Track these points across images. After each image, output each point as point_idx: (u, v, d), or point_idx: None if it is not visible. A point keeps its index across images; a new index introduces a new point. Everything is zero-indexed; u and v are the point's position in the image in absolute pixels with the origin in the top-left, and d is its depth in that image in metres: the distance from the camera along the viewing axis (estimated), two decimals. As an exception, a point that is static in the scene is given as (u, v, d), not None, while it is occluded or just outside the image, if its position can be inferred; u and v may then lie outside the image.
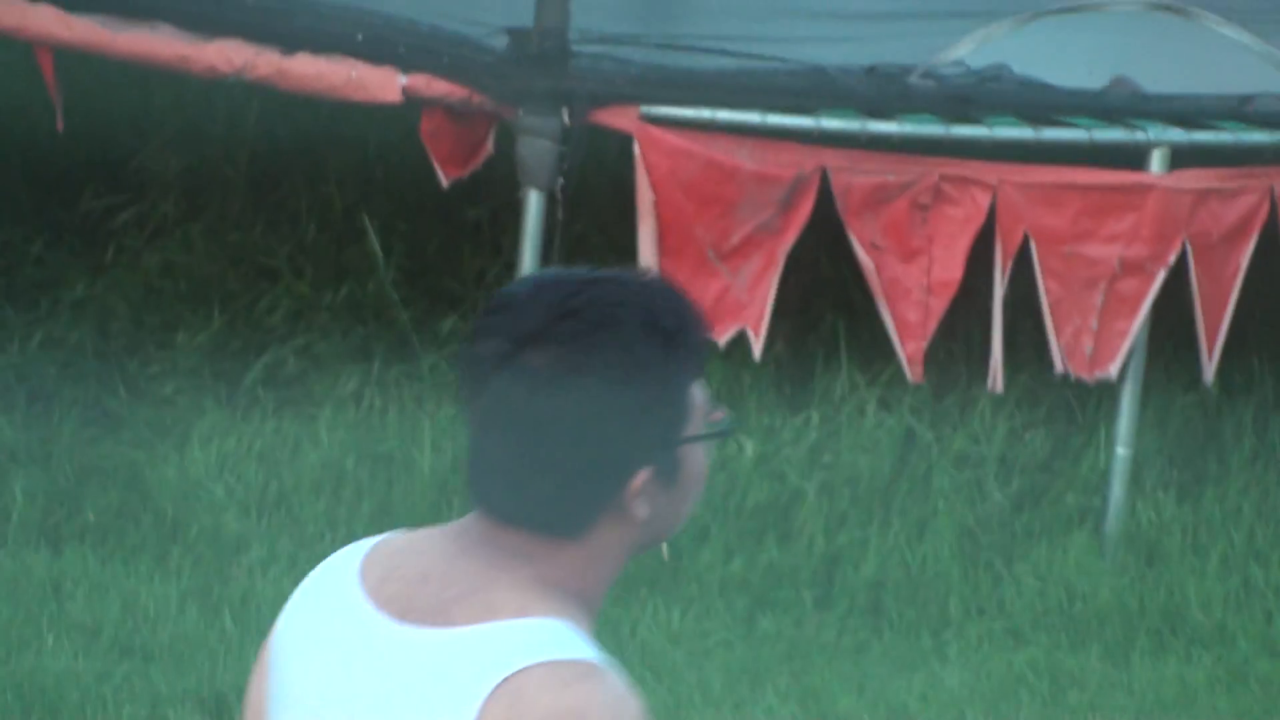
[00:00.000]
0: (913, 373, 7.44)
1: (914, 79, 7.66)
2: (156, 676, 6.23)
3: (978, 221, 7.31)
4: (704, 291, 7.31)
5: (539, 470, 2.03)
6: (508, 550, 2.08)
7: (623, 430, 2.04)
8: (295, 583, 6.08)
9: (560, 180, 7.17)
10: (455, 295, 8.10)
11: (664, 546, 6.67)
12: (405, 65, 7.21)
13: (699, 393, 1.98)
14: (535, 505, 2.04)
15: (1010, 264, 7.34)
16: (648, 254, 7.16)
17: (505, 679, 1.97)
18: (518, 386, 2.00)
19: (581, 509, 2.05)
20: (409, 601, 2.13)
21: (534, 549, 2.07)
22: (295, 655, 2.30)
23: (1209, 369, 7.58)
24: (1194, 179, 7.52)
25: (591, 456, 2.05)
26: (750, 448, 7.50)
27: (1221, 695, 7.02)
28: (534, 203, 7.28)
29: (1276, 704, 7.03)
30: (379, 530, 6.31)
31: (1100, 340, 7.46)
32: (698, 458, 2.02)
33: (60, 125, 7.75)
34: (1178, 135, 7.61)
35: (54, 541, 6.76)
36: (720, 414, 2.08)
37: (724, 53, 7.83)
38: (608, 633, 4.86)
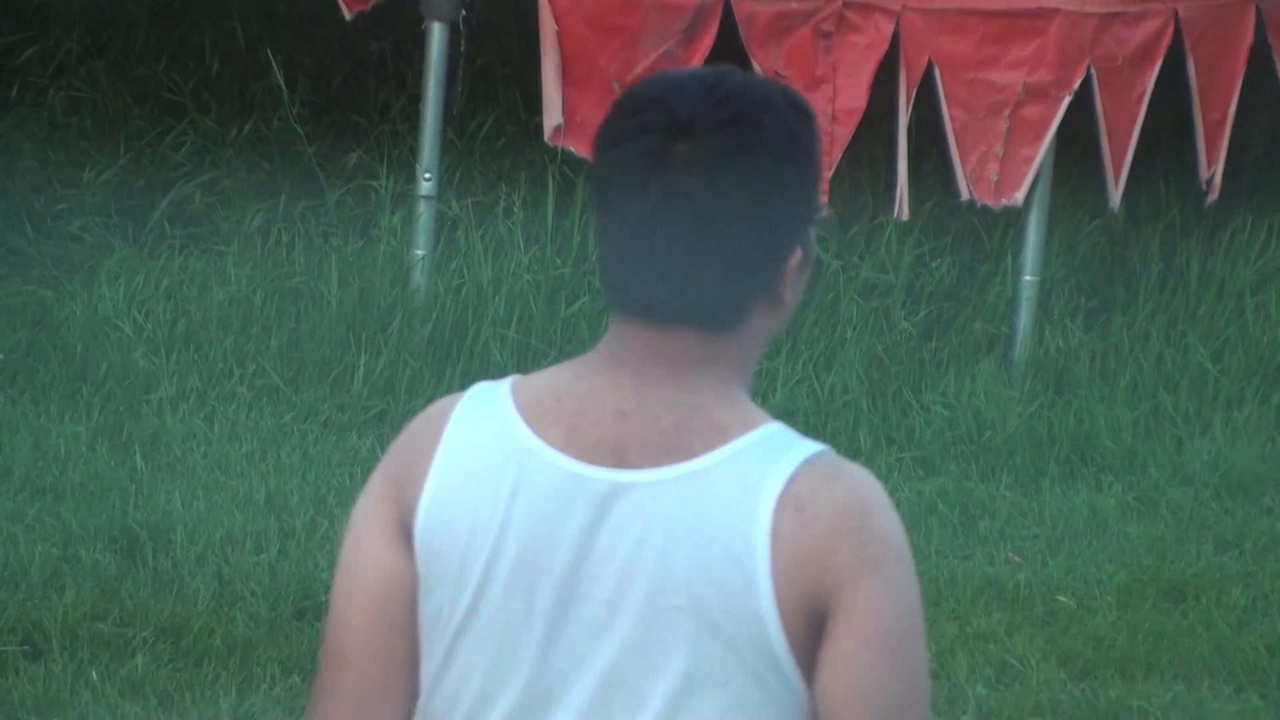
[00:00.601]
0: (818, 202, 7.57)
1: None
2: (68, 515, 6.35)
3: (881, 49, 7.40)
4: None
5: (712, 259, 2.08)
6: (683, 362, 2.14)
7: (787, 208, 2.09)
8: (205, 419, 6.08)
9: (463, 12, 7.38)
10: (360, 129, 8.09)
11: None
12: None
13: None
14: (705, 298, 2.09)
15: (914, 91, 7.42)
16: (551, 85, 7.18)
17: (780, 494, 2.05)
18: (690, 176, 2.02)
19: (745, 297, 2.11)
20: (620, 444, 2.16)
21: (702, 351, 2.12)
22: (482, 522, 2.29)
23: (1115, 195, 7.67)
24: (1097, 4, 7.58)
25: (761, 237, 2.09)
26: None
27: (1132, 522, 7.28)
28: (437, 35, 7.38)
29: (1187, 530, 7.35)
30: (289, 365, 6.08)
31: (1006, 167, 7.56)
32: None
33: None
34: None
35: (-38, 381, 6.67)
36: (824, 201, 2.31)
37: None
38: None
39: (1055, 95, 7.44)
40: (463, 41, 7.49)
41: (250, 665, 5.88)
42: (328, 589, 5.97)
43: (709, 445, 2.06)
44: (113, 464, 6.63)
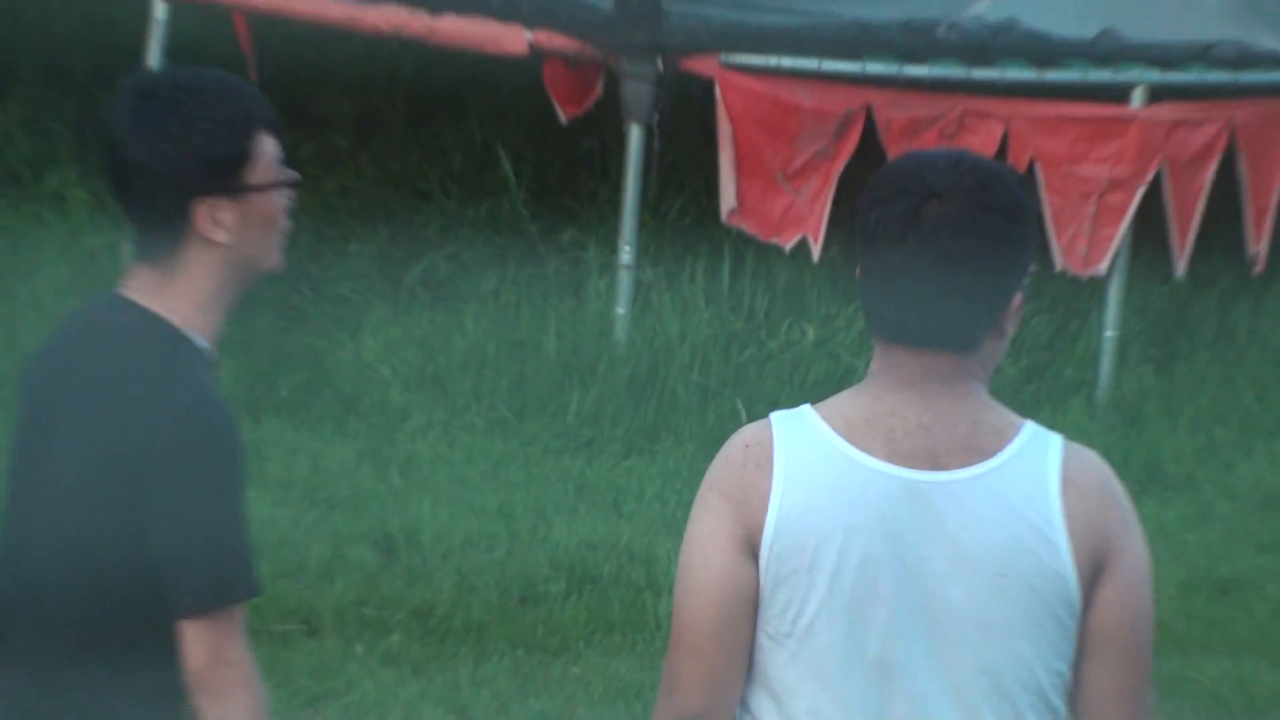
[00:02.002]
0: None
1: (941, 31, 8.57)
2: (338, 520, 7.18)
3: (993, 148, 8.16)
4: (773, 206, 8.35)
5: (955, 296, 2.53)
6: (950, 377, 2.60)
7: (1014, 259, 2.56)
8: (448, 445, 7.43)
9: (656, 116, 8.18)
10: (573, 211, 9.05)
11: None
12: (530, 24, 8.23)
13: None
14: (950, 326, 2.55)
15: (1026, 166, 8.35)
16: (727, 175, 8.19)
17: (1060, 478, 2.56)
18: (939, 230, 2.52)
19: (980, 327, 2.57)
20: (931, 451, 2.60)
21: (953, 369, 2.59)
22: (823, 529, 2.69)
23: (1180, 265, 8.62)
24: (1167, 112, 8.56)
25: (993, 281, 2.57)
26: (811, 332, 8.30)
27: (1190, 530, 8.01)
28: (635, 135, 8.28)
29: (1234, 537, 8.03)
30: (515, 401, 7.46)
31: (1092, 243, 8.45)
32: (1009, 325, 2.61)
33: (253, 76, 8.71)
34: (1153, 76, 8.63)
35: (255, 413, 7.59)
36: None
37: (787, 11, 8.87)
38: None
39: (1132, 186, 8.35)
40: (656, 140, 8.34)
41: (484, 642, 6.61)
42: (546, 580, 6.99)
43: (998, 446, 2.55)
44: (374, 479, 7.41)
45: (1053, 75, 8.61)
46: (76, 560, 3.39)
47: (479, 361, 8.11)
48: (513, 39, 8.28)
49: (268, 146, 3.07)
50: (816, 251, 8.41)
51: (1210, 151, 8.61)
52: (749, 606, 2.76)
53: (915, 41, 8.55)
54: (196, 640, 3.22)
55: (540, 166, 9.54)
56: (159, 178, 3.07)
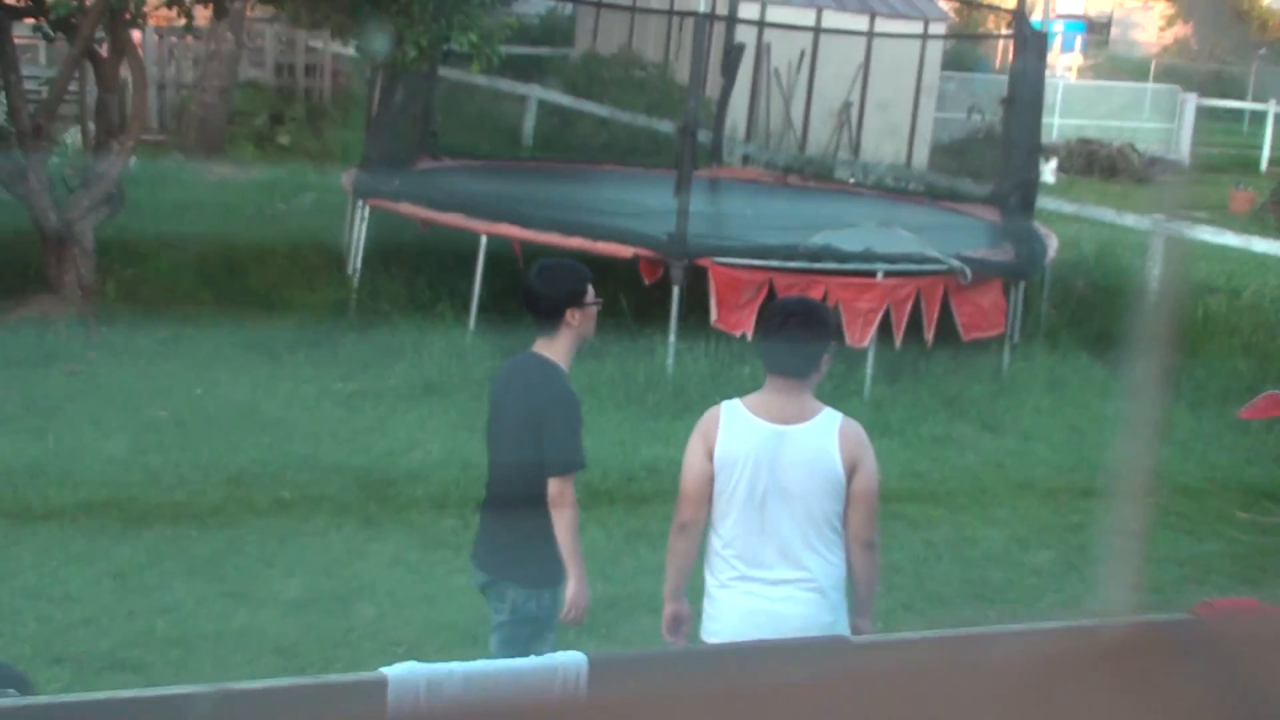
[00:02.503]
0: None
1: (799, 248, 13.71)
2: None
3: (819, 295, 12.61)
4: (734, 319, 13.23)
5: (801, 356, 5.69)
6: (795, 388, 5.70)
7: (826, 341, 5.87)
8: None
9: (684, 283, 13.44)
10: (654, 323, 13.55)
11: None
12: (632, 244, 13.72)
13: None
14: (799, 368, 5.74)
15: (829, 304, 12.29)
16: (714, 307, 13.37)
17: (839, 428, 5.78)
18: (794, 329, 5.77)
19: (811, 369, 5.75)
20: (784, 417, 5.67)
21: (799, 385, 5.73)
22: (740, 453, 5.73)
23: (898, 340, 13.27)
24: (891, 281, 13.45)
25: (817, 350, 5.74)
26: (747, 369, 13.56)
27: (896, 450, 11.90)
28: (676, 292, 13.40)
29: (911, 453, 13.48)
30: None
31: (862, 332, 13.36)
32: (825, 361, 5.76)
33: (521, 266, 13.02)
34: (886, 265, 13.70)
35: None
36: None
37: (736, 239, 14.05)
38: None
39: (877, 310, 13.21)
40: (684, 292, 13.03)
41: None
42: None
43: (812, 415, 5.66)
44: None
45: (844, 265, 13.63)
46: (517, 458, 6.55)
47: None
48: (624, 251, 13.53)
49: (590, 289, 6.38)
50: (750, 336, 13.10)
51: (909, 297, 13.57)
52: (709, 480, 5.89)
53: (789, 252, 13.69)
54: (553, 486, 6.35)
55: (637, 305, 13.53)
56: (553, 301, 6.46)
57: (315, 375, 13.17)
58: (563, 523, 6.34)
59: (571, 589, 6.45)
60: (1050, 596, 9.82)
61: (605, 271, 13.69)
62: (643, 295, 14.00)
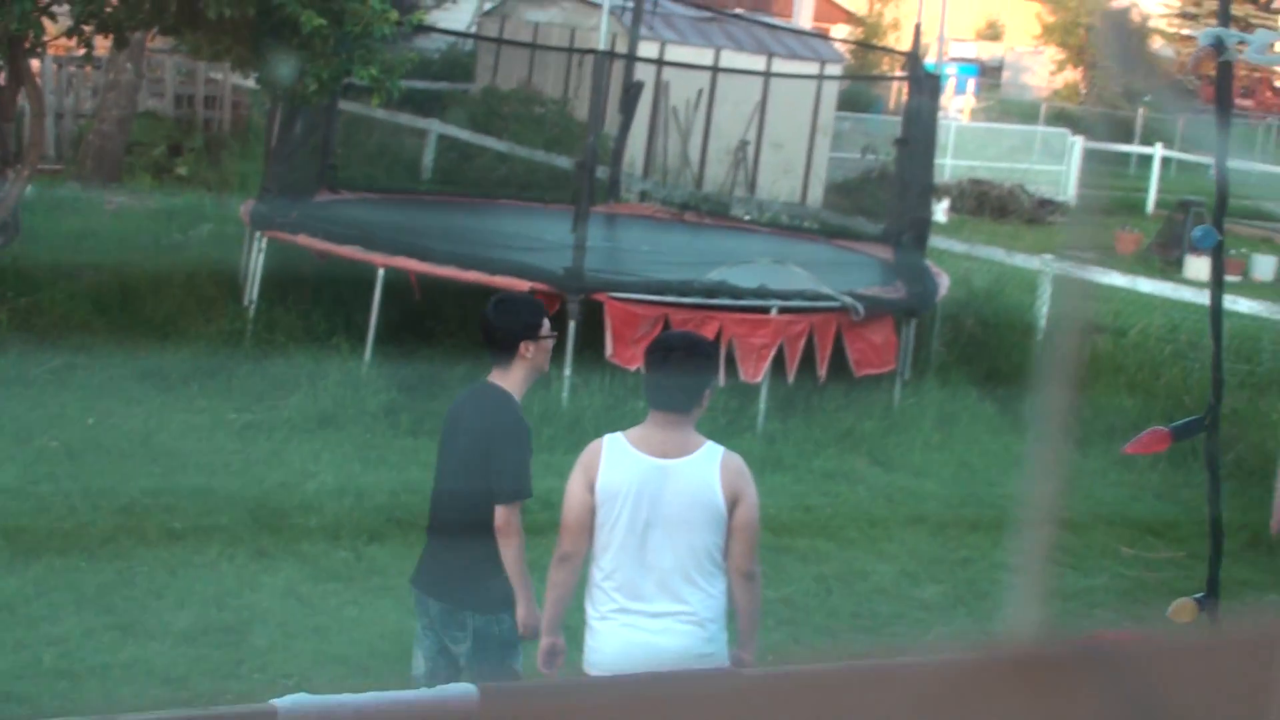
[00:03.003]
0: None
1: (694, 283, 13.95)
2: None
3: (714, 332, 13.15)
4: (628, 354, 13.26)
5: (684, 389, 5.88)
6: (677, 422, 5.91)
7: (709, 374, 6.14)
8: None
9: (579, 317, 13.76)
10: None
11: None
12: (532, 279, 14.41)
13: None
14: (680, 403, 5.93)
15: (722, 343, 12.93)
16: (609, 341, 13.61)
17: (720, 461, 5.98)
18: (676, 362, 5.96)
19: (693, 403, 6.01)
20: (665, 450, 5.88)
21: (680, 419, 5.93)
22: (621, 486, 5.92)
23: (790, 375, 13.46)
24: (785, 318, 13.86)
25: (700, 383, 5.99)
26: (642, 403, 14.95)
27: (787, 485, 12.55)
28: (572, 326, 13.52)
29: (802, 484, 13.88)
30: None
31: (756, 368, 13.61)
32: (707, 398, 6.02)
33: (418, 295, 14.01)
34: (780, 302, 13.99)
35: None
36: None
37: (633, 274, 14.30)
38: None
39: (770, 347, 13.62)
40: (578, 326, 13.06)
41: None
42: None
43: (694, 449, 5.91)
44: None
45: (738, 301, 13.99)
46: (468, 485, 6.66)
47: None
48: (521, 285, 13.15)
49: (547, 323, 6.65)
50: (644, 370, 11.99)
51: (803, 334, 13.91)
52: (590, 512, 6.02)
53: (685, 288, 14.04)
54: (500, 515, 6.47)
55: None
56: (508, 333, 6.69)
57: (209, 406, 13.12)
58: (510, 550, 6.50)
59: (520, 614, 6.59)
60: (939, 630, 9.93)
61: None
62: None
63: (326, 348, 14.14)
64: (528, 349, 6.69)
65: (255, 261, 15.38)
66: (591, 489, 6.05)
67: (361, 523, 10.56)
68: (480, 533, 6.58)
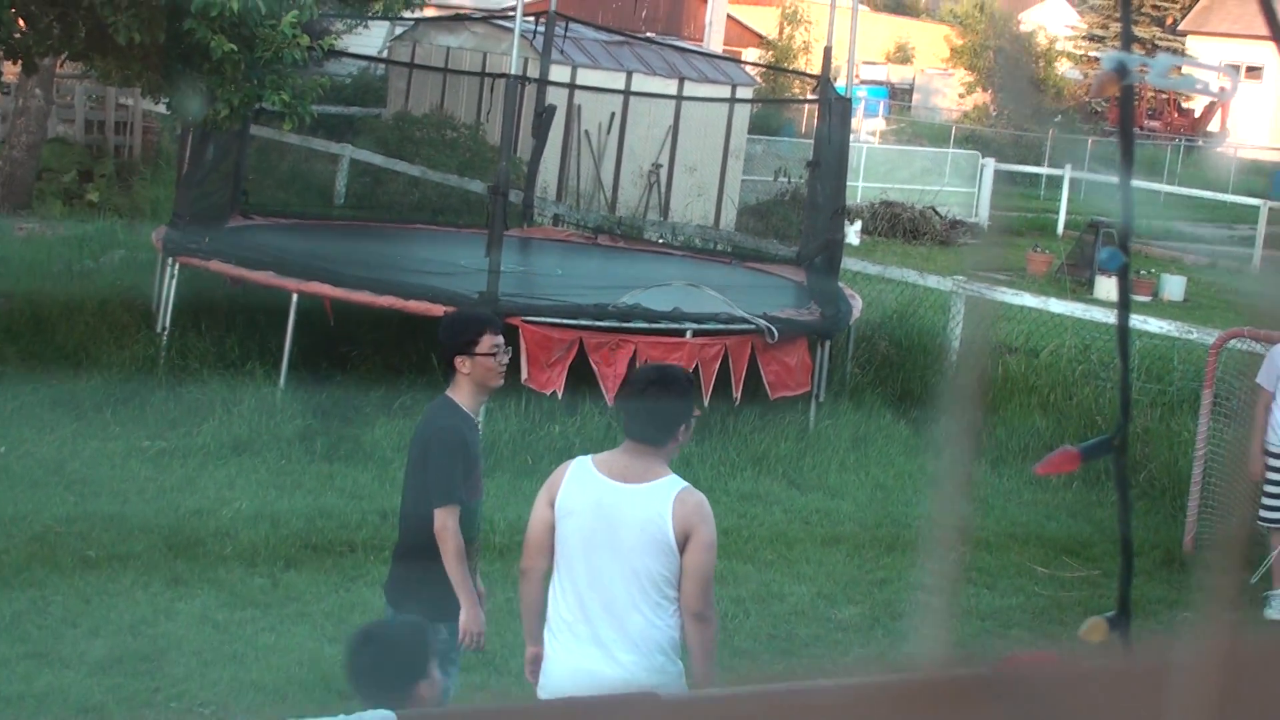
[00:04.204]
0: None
1: (610, 307, 14.09)
2: None
3: (628, 357, 13.42)
4: (544, 379, 13.34)
5: (656, 422, 6.11)
6: (646, 453, 6.11)
7: (685, 407, 6.22)
8: None
9: None
10: None
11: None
12: (444, 303, 15.56)
13: None
14: (653, 435, 6.13)
15: (638, 363, 12.70)
16: (524, 365, 13.53)
17: (676, 495, 6.07)
18: (653, 395, 6.17)
19: (666, 436, 6.15)
20: (625, 476, 6.07)
21: (653, 451, 6.12)
22: (578, 505, 6.15)
23: (705, 399, 13.35)
24: (699, 341, 14.05)
25: (674, 417, 6.12)
26: (555, 429, 14.13)
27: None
28: None
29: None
30: None
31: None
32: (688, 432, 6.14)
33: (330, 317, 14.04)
34: (695, 325, 14.21)
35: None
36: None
37: (548, 298, 14.53)
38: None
39: (686, 369, 13.97)
40: None
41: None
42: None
43: (653, 478, 6.07)
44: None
45: (653, 324, 14.20)
46: (414, 495, 7.13)
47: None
48: (435, 309, 13.14)
49: (488, 338, 6.83)
50: (560, 395, 13.51)
51: (717, 356, 14.09)
52: (549, 528, 6.26)
53: (599, 311, 14.02)
54: (436, 518, 6.83)
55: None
56: (445, 349, 7.02)
57: (123, 433, 13.08)
58: (446, 553, 6.78)
59: (463, 617, 6.83)
60: (857, 650, 10.06)
61: (416, 330, 14.25)
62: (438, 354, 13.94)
63: (241, 374, 14.11)
64: (464, 364, 6.91)
65: (168, 288, 15.35)
66: (552, 505, 6.22)
67: (278, 549, 10.56)
68: (425, 542, 6.83)
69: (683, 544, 6.03)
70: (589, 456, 6.31)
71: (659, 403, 6.16)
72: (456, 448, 6.87)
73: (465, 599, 6.85)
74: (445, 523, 6.80)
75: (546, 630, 6.39)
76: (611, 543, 6.10)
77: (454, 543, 6.78)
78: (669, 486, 6.11)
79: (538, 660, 6.47)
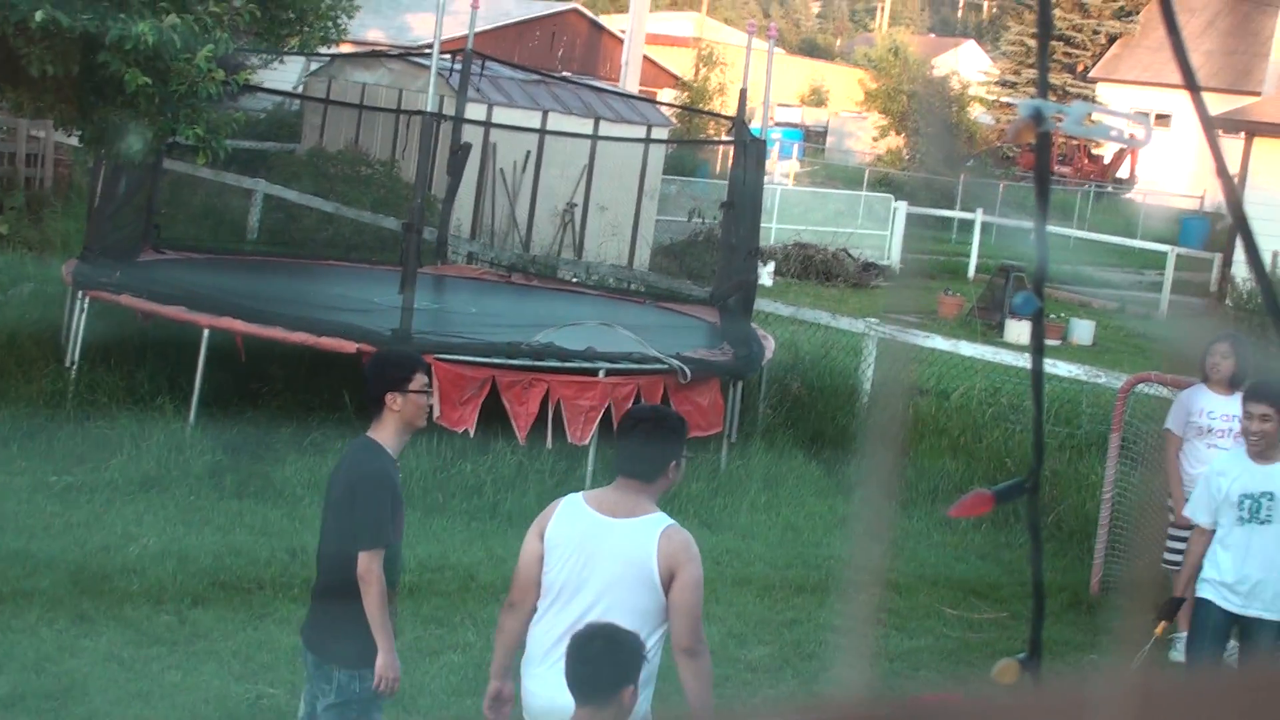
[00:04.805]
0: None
1: (522, 345, 13.90)
2: None
3: (539, 397, 13.48)
4: (456, 415, 13.48)
5: (647, 458, 6.26)
6: (636, 489, 6.26)
7: (675, 445, 6.36)
8: None
9: None
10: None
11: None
12: (358, 340, 14.84)
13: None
14: (643, 470, 6.29)
15: (550, 405, 13.25)
16: (436, 403, 14.72)
17: (662, 531, 6.22)
18: (644, 431, 6.33)
19: (656, 473, 6.30)
20: (611, 509, 6.26)
21: (644, 488, 6.27)
22: (566, 538, 6.28)
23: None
24: (610, 380, 13.92)
25: (664, 454, 6.29)
26: (467, 467, 15.69)
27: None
28: None
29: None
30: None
31: (584, 429, 13.70)
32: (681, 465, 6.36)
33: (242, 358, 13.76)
34: (608, 364, 14.06)
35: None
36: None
37: (459, 336, 14.26)
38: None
39: (598, 409, 13.99)
40: None
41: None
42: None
43: (641, 514, 6.23)
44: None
45: (566, 364, 14.03)
46: (336, 538, 7.02)
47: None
48: (348, 346, 13.66)
49: (420, 377, 6.93)
50: (471, 433, 13.49)
51: (630, 396, 13.90)
52: (539, 560, 6.35)
53: (512, 350, 14.01)
54: (361, 562, 6.78)
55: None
56: (375, 386, 7.04)
57: (29, 467, 12.95)
58: (369, 598, 6.74)
59: (380, 662, 6.80)
60: (766, 691, 10.03)
61: (329, 367, 14.35)
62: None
63: (150, 409, 14.03)
64: (394, 401, 6.92)
65: (78, 322, 15.20)
66: (542, 538, 6.34)
67: (185, 586, 10.49)
68: (348, 586, 6.78)
69: (667, 581, 6.16)
70: (581, 493, 6.47)
71: (649, 441, 6.29)
72: (386, 490, 6.88)
73: (384, 643, 6.84)
74: (370, 566, 6.78)
75: (523, 661, 6.48)
76: (596, 576, 6.21)
77: (378, 587, 6.77)
78: (655, 523, 6.23)
79: (499, 696, 6.57)
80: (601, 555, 6.22)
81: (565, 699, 5.95)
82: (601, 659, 5.67)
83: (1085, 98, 61.01)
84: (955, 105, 61.63)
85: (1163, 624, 9.62)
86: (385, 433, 7.02)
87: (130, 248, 17.47)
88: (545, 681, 6.29)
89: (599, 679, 5.64)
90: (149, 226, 18.35)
